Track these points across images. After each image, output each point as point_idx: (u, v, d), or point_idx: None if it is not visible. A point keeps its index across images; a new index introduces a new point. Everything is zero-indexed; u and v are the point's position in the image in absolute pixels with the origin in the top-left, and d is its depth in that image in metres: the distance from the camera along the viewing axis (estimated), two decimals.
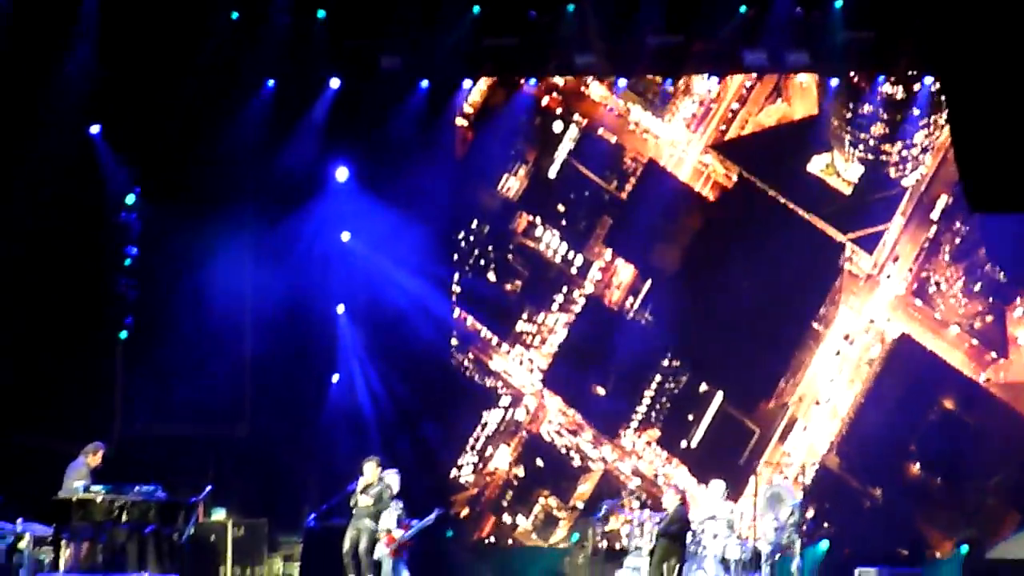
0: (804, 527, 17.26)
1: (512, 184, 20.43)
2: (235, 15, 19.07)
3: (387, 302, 20.39)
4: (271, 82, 19.31)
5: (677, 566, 16.04)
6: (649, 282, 19.71)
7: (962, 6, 12.86)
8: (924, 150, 19.43)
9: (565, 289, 19.86)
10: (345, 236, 20.31)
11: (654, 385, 17.97)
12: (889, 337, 18.97)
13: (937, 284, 18.79)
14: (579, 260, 20.15)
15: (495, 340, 20.64)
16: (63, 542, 16.73)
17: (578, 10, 18.59)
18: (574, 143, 20.15)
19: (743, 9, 18.05)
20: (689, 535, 16.33)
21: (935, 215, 18.80)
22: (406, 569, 16.79)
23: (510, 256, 20.58)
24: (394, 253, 20.05)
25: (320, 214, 20.30)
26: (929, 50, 17.01)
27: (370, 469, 17.27)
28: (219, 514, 18.83)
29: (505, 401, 20.37)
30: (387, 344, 20.52)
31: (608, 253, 20.03)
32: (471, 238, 20.72)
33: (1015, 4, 10.49)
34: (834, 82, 18.65)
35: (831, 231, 18.98)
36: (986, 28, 12.94)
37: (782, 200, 19.16)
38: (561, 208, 20.22)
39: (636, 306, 19.92)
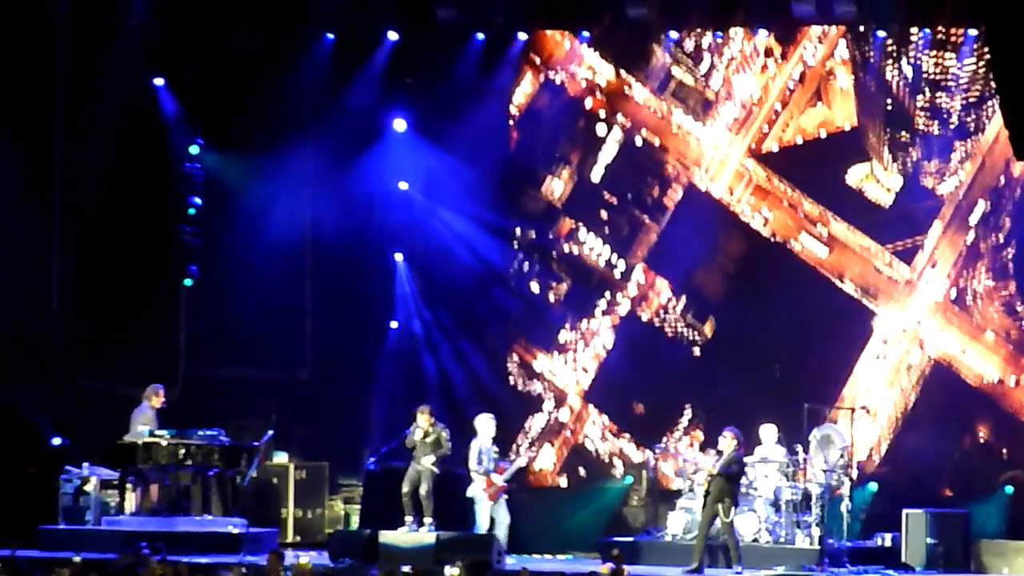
0: (853, 469, 17.42)
1: (556, 187, 20.31)
2: None
3: (443, 250, 20.55)
4: (331, 35, 19.23)
5: (731, 507, 16.06)
6: (684, 297, 19.77)
7: None
8: (962, 159, 19.28)
9: (608, 295, 19.77)
10: (403, 185, 20.20)
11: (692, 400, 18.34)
12: (929, 343, 19.01)
13: (975, 292, 18.89)
14: (622, 265, 20.12)
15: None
16: (128, 485, 17.21)
17: None
18: (618, 145, 20.02)
19: None
20: (743, 477, 16.54)
21: (973, 220, 18.79)
22: (504, 509, 17.12)
23: (554, 264, 20.62)
24: (450, 201, 20.30)
25: (378, 162, 20.39)
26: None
27: (423, 419, 17.52)
28: (281, 457, 19.15)
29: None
30: (441, 290, 20.60)
31: (644, 265, 20.23)
32: (515, 244, 20.84)
33: None
34: (881, 33, 18.55)
35: (870, 242, 19.20)
36: None
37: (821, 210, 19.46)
38: (604, 214, 20.17)
39: (676, 317, 19.97)
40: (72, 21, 20.25)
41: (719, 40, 19.69)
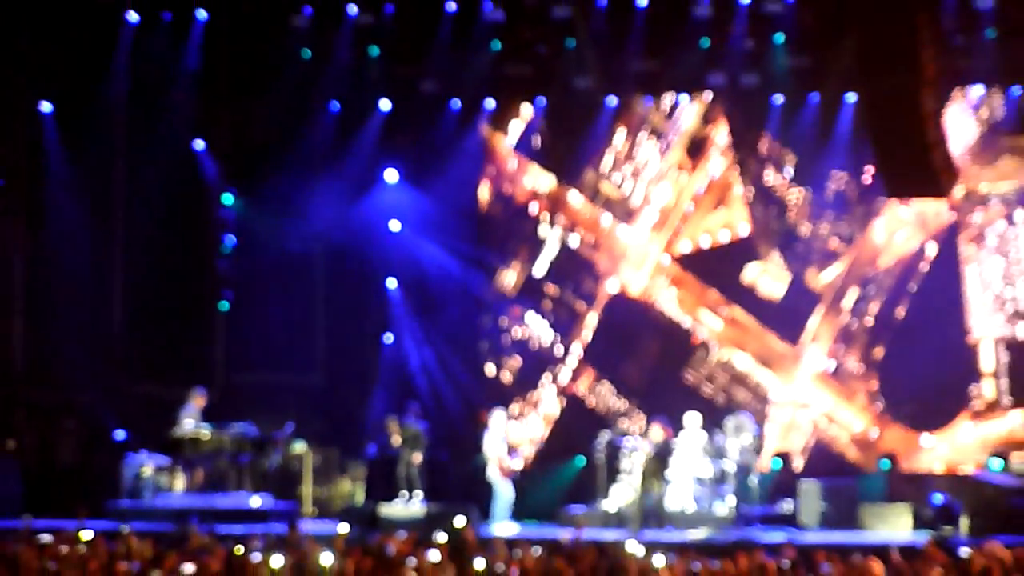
0: (761, 450, 19.50)
1: (509, 278, 22.34)
2: (307, 54, 21.34)
3: (427, 277, 22.59)
4: (336, 104, 21.42)
5: (662, 482, 18.18)
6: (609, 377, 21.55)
7: (871, 38, 15.11)
8: (839, 253, 21.11)
9: (550, 372, 21.59)
10: (394, 224, 22.18)
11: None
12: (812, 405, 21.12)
13: (848, 370, 21.16)
14: (560, 349, 22.02)
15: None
16: (178, 469, 19.43)
17: (577, 43, 20.68)
18: (559, 243, 21.96)
19: (706, 42, 20.26)
20: (671, 458, 18.38)
21: (847, 305, 20.82)
22: (509, 485, 19.43)
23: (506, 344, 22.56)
24: (434, 238, 22.21)
25: (375, 205, 22.33)
26: (852, 71, 19.21)
27: (393, 427, 19.94)
28: (299, 446, 20.73)
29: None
30: (429, 312, 22.64)
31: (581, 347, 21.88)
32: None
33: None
34: (778, 99, 20.51)
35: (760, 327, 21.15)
36: (890, 51, 15.10)
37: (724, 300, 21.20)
38: (548, 305, 22.20)
39: (607, 390, 21.85)
40: (129, 98, 21.88)
41: (643, 161, 21.34)
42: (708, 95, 21.31)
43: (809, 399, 21.27)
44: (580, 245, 21.98)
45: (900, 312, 20.93)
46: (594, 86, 20.87)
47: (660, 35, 20.73)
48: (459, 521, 17.29)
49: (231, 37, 22.03)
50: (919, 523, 18.75)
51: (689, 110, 21.56)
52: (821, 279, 20.95)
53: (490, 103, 21.67)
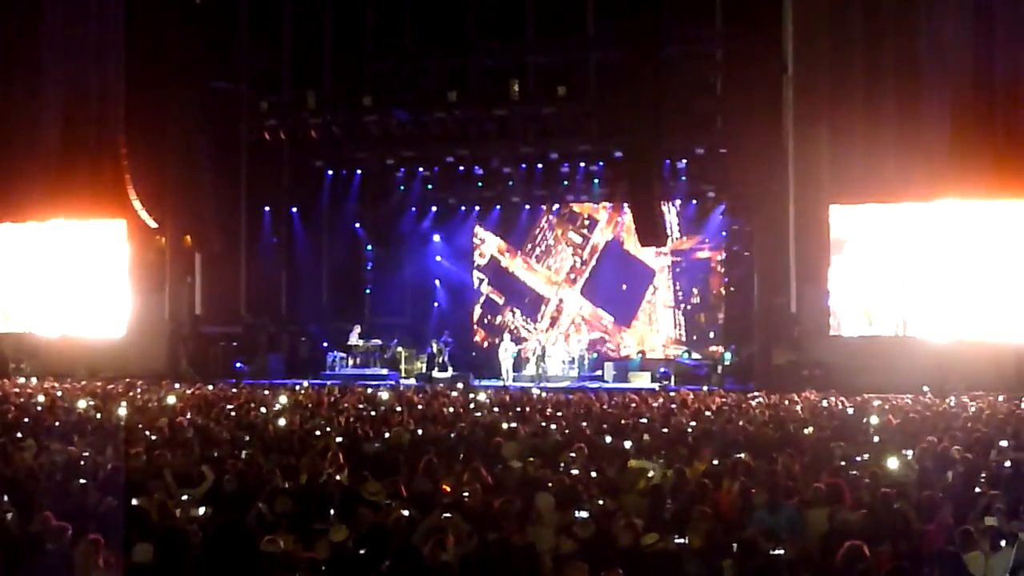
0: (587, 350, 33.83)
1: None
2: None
3: (457, 282, 36.09)
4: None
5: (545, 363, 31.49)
6: None
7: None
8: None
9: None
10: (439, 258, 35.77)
11: None
12: None
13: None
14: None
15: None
16: (348, 359, 32.56)
17: None
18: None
19: None
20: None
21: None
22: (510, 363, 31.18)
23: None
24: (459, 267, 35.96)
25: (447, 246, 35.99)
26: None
27: (435, 345, 32.21)
28: (400, 349, 33.16)
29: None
30: (455, 291, 36.08)
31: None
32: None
33: None
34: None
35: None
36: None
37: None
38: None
39: None
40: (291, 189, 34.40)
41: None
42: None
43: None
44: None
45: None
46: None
47: None
48: (468, 379, 29.38)
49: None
50: (654, 379, 29.94)
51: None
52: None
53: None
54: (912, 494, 12.05)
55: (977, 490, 11.98)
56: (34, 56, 33.15)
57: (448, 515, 10.55)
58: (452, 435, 16.55)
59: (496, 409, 20.68)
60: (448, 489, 12.21)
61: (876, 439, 16.32)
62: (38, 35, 32.80)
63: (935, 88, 27.06)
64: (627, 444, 15.73)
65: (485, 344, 36.44)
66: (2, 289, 34.51)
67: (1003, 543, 9.99)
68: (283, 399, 22.00)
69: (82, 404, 20.96)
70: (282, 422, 18.10)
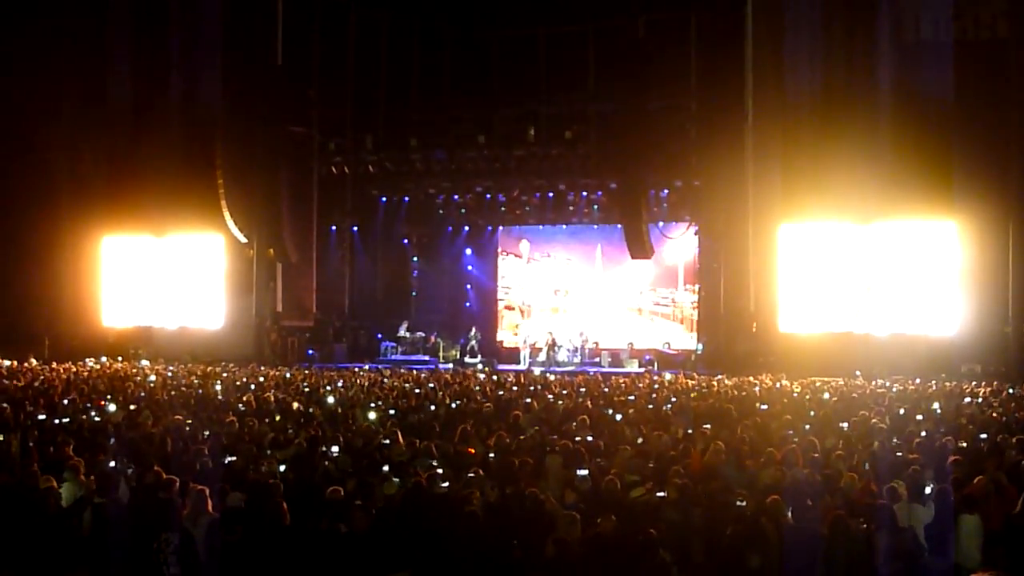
0: (584, 344, 33.14)
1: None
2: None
3: (483, 285, 36.03)
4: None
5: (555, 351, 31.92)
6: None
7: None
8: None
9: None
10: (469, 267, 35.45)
11: None
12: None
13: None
14: None
15: None
16: (397, 347, 32.73)
17: None
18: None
19: None
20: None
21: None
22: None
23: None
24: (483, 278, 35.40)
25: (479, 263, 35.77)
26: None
27: (471, 335, 32.19)
28: (438, 340, 33.35)
29: None
30: (478, 290, 35.81)
31: None
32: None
33: None
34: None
35: None
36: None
37: None
38: None
39: None
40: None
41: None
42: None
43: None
44: None
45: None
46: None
47: None
48: (493, 364, 29.63)
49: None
50: (641, 365, 30.62)
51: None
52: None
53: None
54: (846, 457, 11.92)
55: (899, 454, 11.90)
56: (162, 103, 32.98)
57: (475, 473, 10.54)
58: (480, 409, 16.33)
59: (515, 388, 20.36)
60: (474, 452, 12.16)
61: (814, 413, 16.18)
62: (166, 95, 32.66)
63: (871, 129, 26.89)
64: (619, 416, 15.56)
65: (507, 337, 36.28)
66: (126, 289, 33.81)
67: (924, 496, 9.99)
68: (340, 384, 21.40)
69: (187, 382, 20.91)
70: (331, 400, 17.76)
